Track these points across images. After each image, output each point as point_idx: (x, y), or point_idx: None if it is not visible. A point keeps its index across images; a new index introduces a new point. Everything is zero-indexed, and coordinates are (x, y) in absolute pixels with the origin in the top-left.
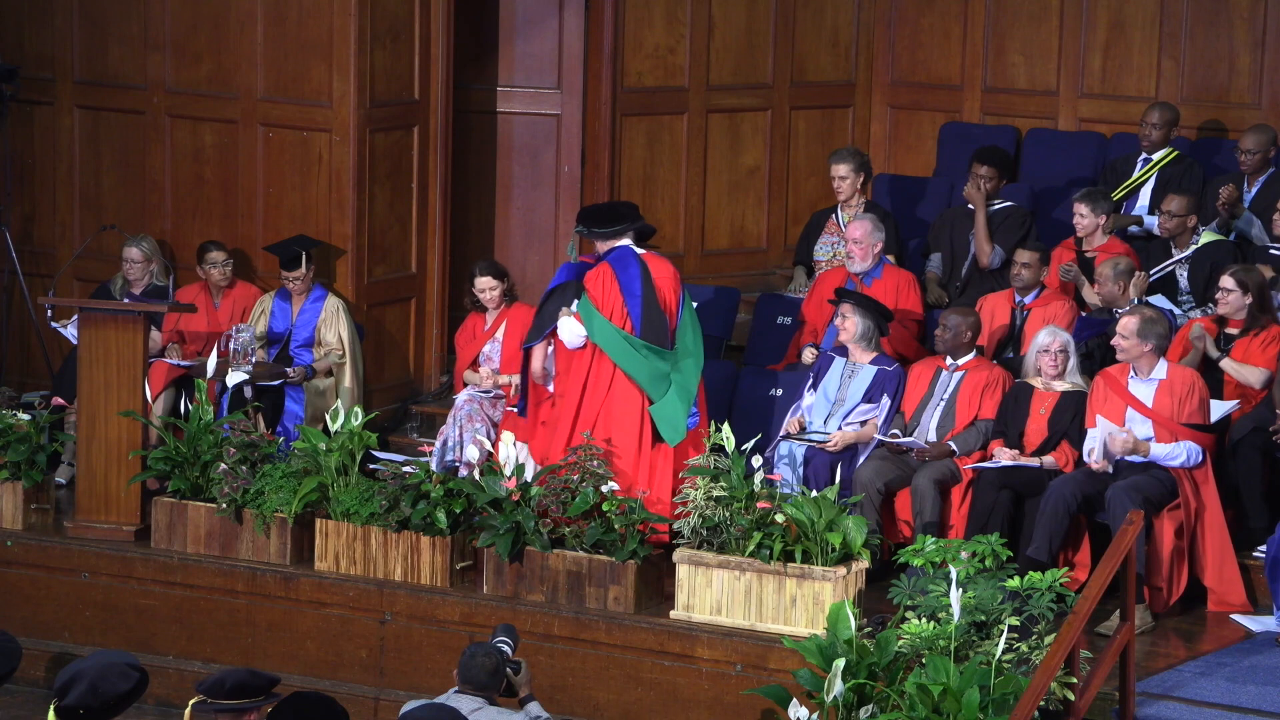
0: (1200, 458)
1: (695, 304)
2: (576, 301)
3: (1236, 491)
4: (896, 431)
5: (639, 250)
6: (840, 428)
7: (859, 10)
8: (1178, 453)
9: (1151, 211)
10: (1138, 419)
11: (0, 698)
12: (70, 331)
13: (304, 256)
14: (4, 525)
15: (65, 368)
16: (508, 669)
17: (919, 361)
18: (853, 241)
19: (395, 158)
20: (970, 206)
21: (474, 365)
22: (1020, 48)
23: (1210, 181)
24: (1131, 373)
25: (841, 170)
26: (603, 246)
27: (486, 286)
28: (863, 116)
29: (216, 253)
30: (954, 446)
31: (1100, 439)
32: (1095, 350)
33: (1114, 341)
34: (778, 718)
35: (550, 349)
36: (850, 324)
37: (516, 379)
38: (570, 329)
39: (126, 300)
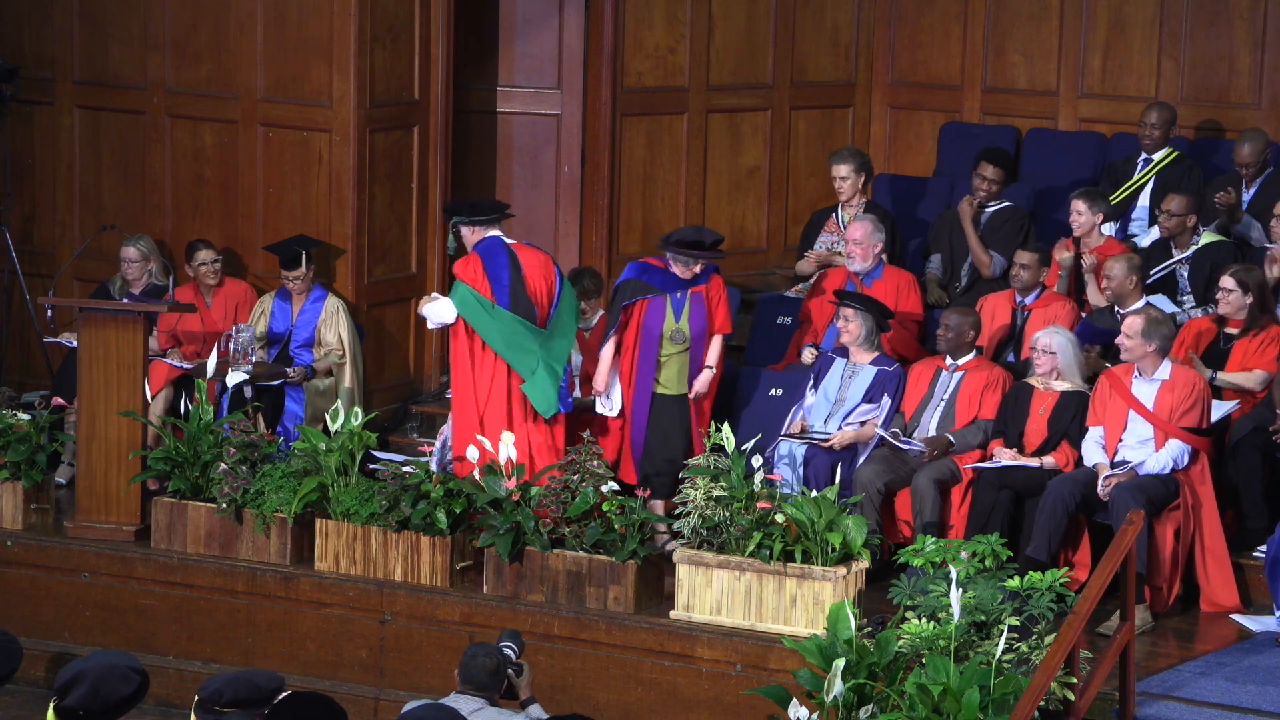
0: (1188, 458)
1: None
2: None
3: (1236, 492)
4: (897, 430)
5: (509, 241)
6: (840, 428)
7: (859, 10)
8: (1164, 461)
9: (1152, 214)
10: (1139, 421)
11: (0, 698)
12: (71, 340)
13: (304, 256)
14: (4, 525)
15: (65, 368)
16: (509, 670)
17: (919, 362)
18: (853, 242)
19: (395, 158)
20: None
21: None
22: (1020, 48)
23: (1210, 182)
24: (1135, 373)
25: (842, 170)
26: (474, 237)
27: None
28: (863, 116)
29: (205, 251)
30: (950, 439)
31: (1101, 479)
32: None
33: (1118, 340)
34: (778, 718)
35: (614, 349)
36: (853, 326)
37: None
38: (436, 309)
39: (126, 300)
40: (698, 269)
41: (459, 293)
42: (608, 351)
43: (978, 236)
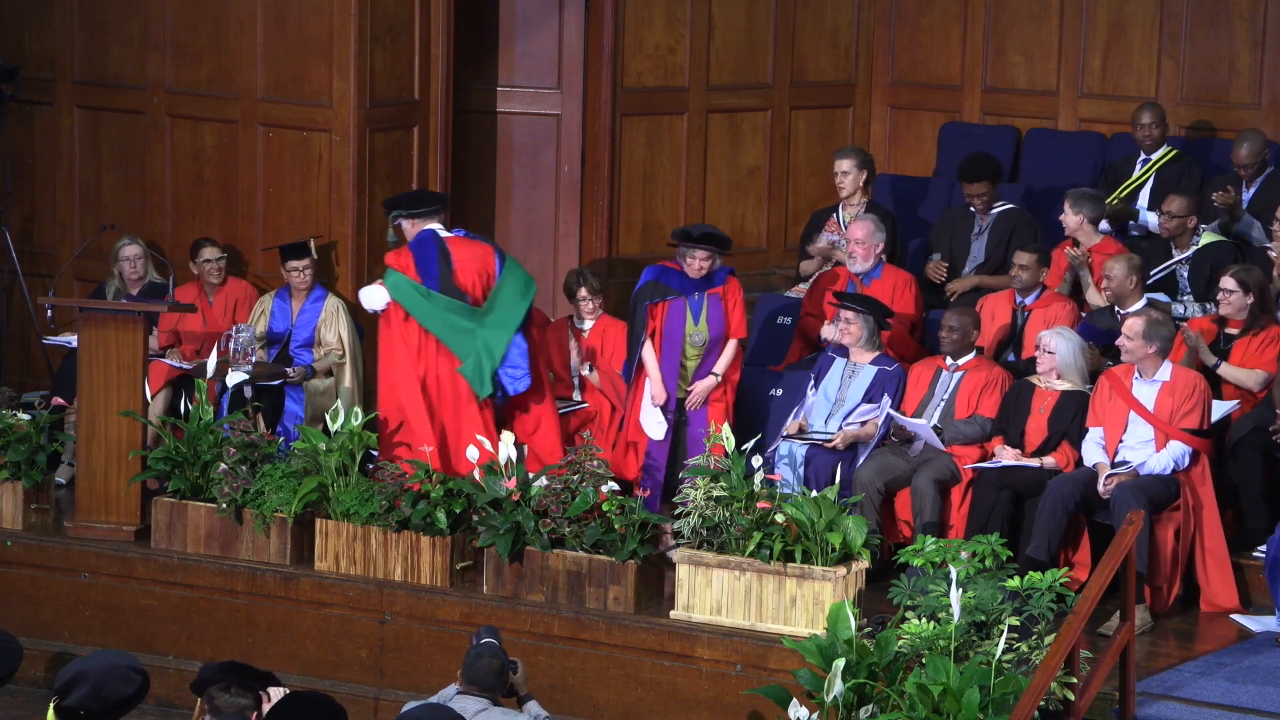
0: (1188, 459)
1: None
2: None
3: (1236, 492)
4: (902, 415)
5: (446, 234)
6: (840, 428)
7: (859, 10)
8: (1165, 462)
9: (1151, 210)
10: (1139, 422)
11: (0, 698)
12: (71, 340)
13: (309, 245)
14: (4, 525)
15: (65, 368)
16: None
17: (919, 362)
18: (855, 242)
19: (395, 158)
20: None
21: None
22: (1020, 48)
23: (1209, 181)
24: (1136, 374)
25: (844, 165)
26: (414, 229)
27: None
28: (863, 116)
29: (210, 249)
30: (939, 427)
31: (1102, 478)
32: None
33: (1119, 342)
34: (778, 718)
35: (653, 351)
36: (854, 329)
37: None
38: (370, 295)
39: (125, 300)
40: (701, 265)
41: (392, 279)
42: (651, 358)
43: (990, 273)
